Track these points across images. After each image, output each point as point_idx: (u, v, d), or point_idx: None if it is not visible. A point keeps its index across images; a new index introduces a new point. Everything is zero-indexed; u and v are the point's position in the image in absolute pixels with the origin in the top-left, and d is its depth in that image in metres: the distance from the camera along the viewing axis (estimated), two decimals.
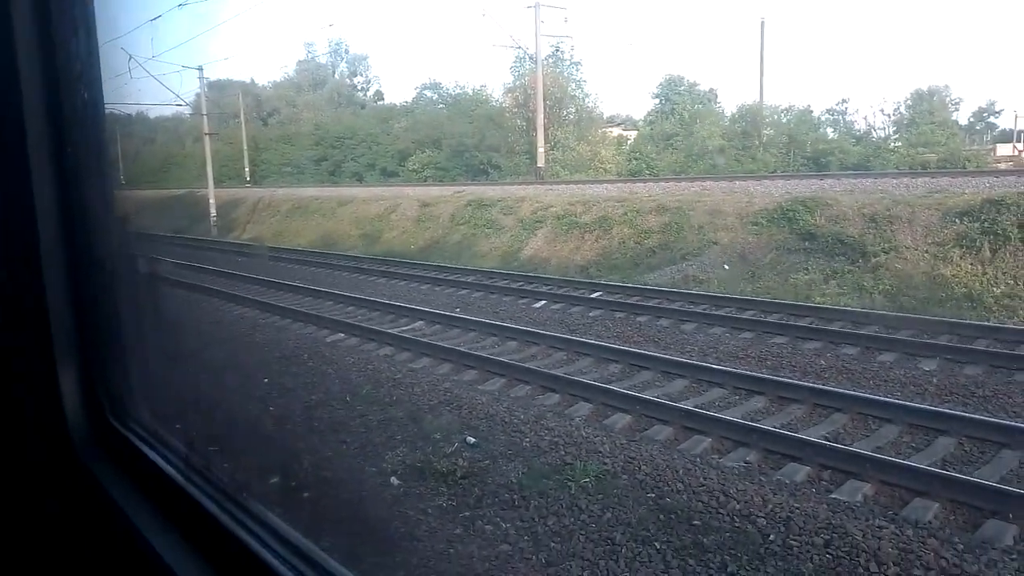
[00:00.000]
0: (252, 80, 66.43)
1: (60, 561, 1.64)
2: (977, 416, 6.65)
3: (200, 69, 33.51)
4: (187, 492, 1.36)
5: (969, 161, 28.08)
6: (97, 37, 1.60)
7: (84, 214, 1.62)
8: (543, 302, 13.47)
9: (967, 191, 14.39)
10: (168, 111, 34.45)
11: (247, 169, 46.50)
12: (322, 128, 49.43)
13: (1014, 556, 4.50)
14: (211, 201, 33.47)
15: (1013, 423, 6.46)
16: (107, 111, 1.77)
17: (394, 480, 5.78)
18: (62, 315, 1.62)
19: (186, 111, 36.11)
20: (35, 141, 1.53)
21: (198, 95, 34.77)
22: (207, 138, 34.18)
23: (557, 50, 39.40)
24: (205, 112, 34.22)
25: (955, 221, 13.27)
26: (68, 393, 1.61)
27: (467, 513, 5.21)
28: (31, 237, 1.57)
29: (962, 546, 4.54)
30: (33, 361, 1.65)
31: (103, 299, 1.71)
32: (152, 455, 1.50)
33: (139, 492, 1.47)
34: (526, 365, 8.99)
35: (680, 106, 37.30)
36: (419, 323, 11.94)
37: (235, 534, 1.22)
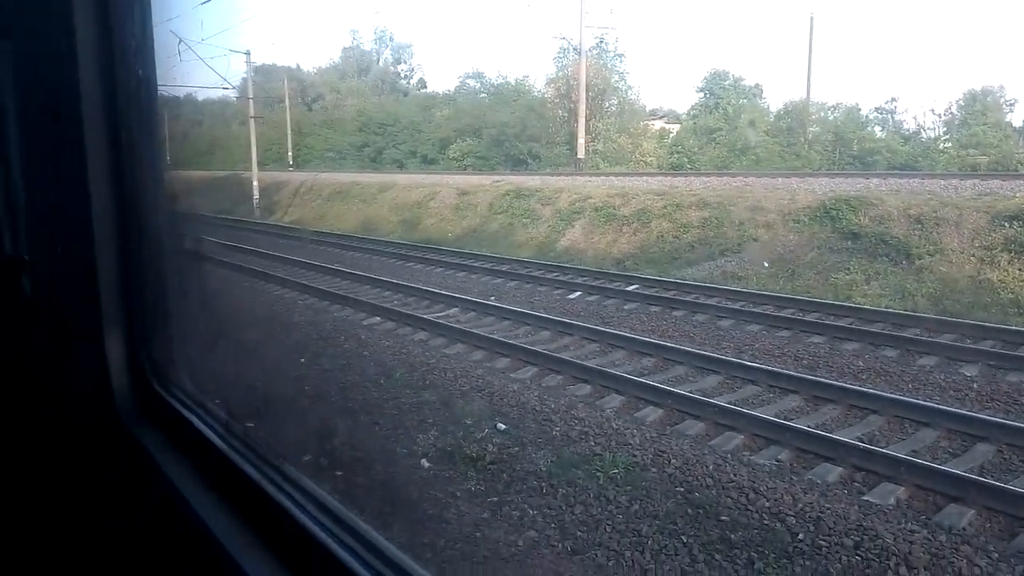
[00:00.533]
0: (297, 66, 67.14)
1: (104, 520, 1.71)
2: (1018, 424, 6.50)
3: (247, 53, 33.97)
4: (227, 456, 1.41)
5: (1022, 164, 27.26)
6: (151, 17, 1.65)
7: (135, 190, 1.67)
8: (578, 293, 13.46)
9: (1018, 195, 14.01)
10: (215, 94, 34.90)
11: (290, 153, 47.05)
12: (365, 114, 49.79)
13: None
14: (255, 183, 33.94)
15: None
16: (158, 92, 1.83)
17: (424, 463, 5.86)
18: (111, 286, 1.68)
19: (233, 94, 36.59)
20: (91, 117, 1.59)
21: (244, 79, 35.26)
22: (252, 121, 34.63)
23: (601, 42, 39.15)
24: (251, 96, 34.68)
25: (1004, 225, 12.93)
26: (114, 360, 1.68)
27: (495, 498, 5.26)
28: (84, 211, 1.64)
29: (996, 554, 4.47)
30: (82, 328, 1.72)
31: (150, 273, 1.77)
32: (194, 420, 1.56)
33: (181, 455, 1.52)
34: (559, 355, 9.01)
35: (724, 100, 36.81)
36: (454, 310, 12.01)
37: (274, 498, 1.26)
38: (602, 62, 38.76)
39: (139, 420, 1.68)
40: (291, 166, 45.41)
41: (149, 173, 1.79)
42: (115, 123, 1.63)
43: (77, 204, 1.65)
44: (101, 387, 1.68)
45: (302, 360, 8.88)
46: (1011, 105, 33.49)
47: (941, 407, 6.94)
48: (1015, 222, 12.81)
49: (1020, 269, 12.10)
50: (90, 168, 1.61)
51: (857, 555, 4.47)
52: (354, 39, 72.67)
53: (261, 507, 1.28)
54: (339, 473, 4.99)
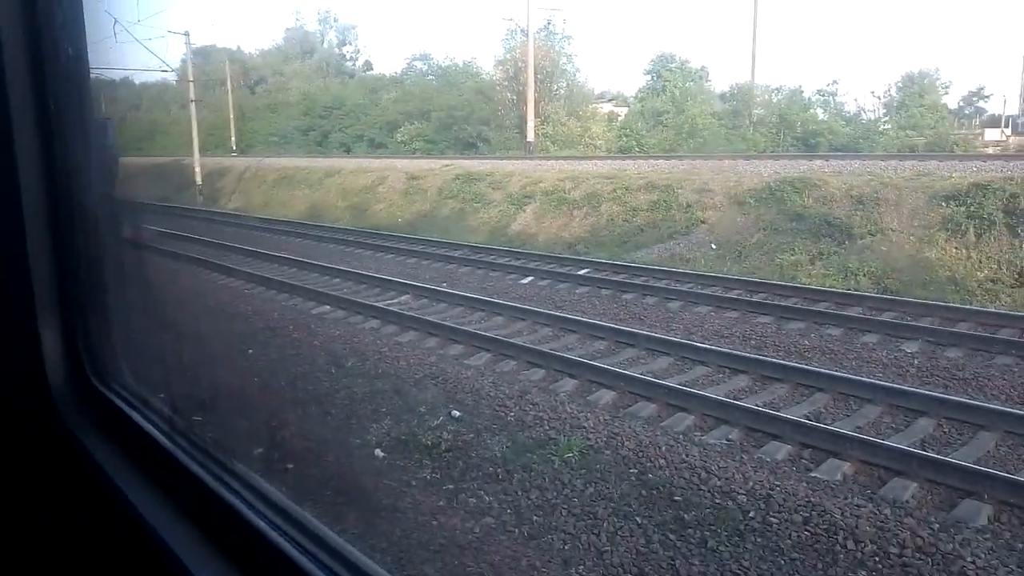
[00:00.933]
0: (239, 48, 65.58)
1: (40, 519, 1.63)
2: (956, 398, 6.74)
3: (186, 35, 33.01)
4: (171, 453, 1.35)
5: (957, 145, 28.17)
6: None
7: (67, 173, 1.59)
8: (530, 278, 13.47)
9: (954, 175, 14.46)
10: (153, 77, 33.91)
11: (233, 138, 45.97)
12: (310, 98, 48.89)
13: (987, 535, 4.58)
14: (197, 169, 33.13)
15: (991, 406, 6.54)
16: (92, 75, 1.73)
17: (379, 452, 5.80)
18: (44, 276, 1.60)
19: (172, 77, 35.58)
20: (17, 94, 1.49)
21: (184, 61, 34.29)
22: (192, 104, 33.73)
23: (549, 23, 39.03)
24: (191, 79, 33.74)
25: (941, 204, 13.34)
26: (50, 352, 1.59)
27: (451, 486, 5.24)
28: (13, 194, 1.54)
29: (937, 525, 4.62)
30: (15, 320, 1.62)
31: (86, 261, 1.69)
32: (135, 416, 1.49)
33: (121, 453, 1.46)
34: (512, 340, 9.00)
35: (671, 83, 37.13)
36: (405, 297, 11.91)
37: (220, 495, 1.22)
38: (550, 44, 38.67)
39: (77, 415, 1.60)
40: (234, 151, 44.39)
41: (83, 157, 1.70)
42: (44, 104, 1.54)
43: (4, 189, 1.55)
44: (36, 381, 1.60)
45: (250, 351, 8.70)
46: (946, 88, 34.57)
47: (883, 383, 7.14)
48: (951, 202, 13.22)
49: (956, 248, 12.51)
50: (18, 152, 1.52)
51: (806, 531, 4.57)
52: (297, 20, 71.43)
53: (206, 504, 1.24)
54: (290, 466, 4.91)
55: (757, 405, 6.74)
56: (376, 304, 11.09)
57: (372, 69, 63.36)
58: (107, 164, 1.97)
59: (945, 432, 6.24)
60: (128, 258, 2.22)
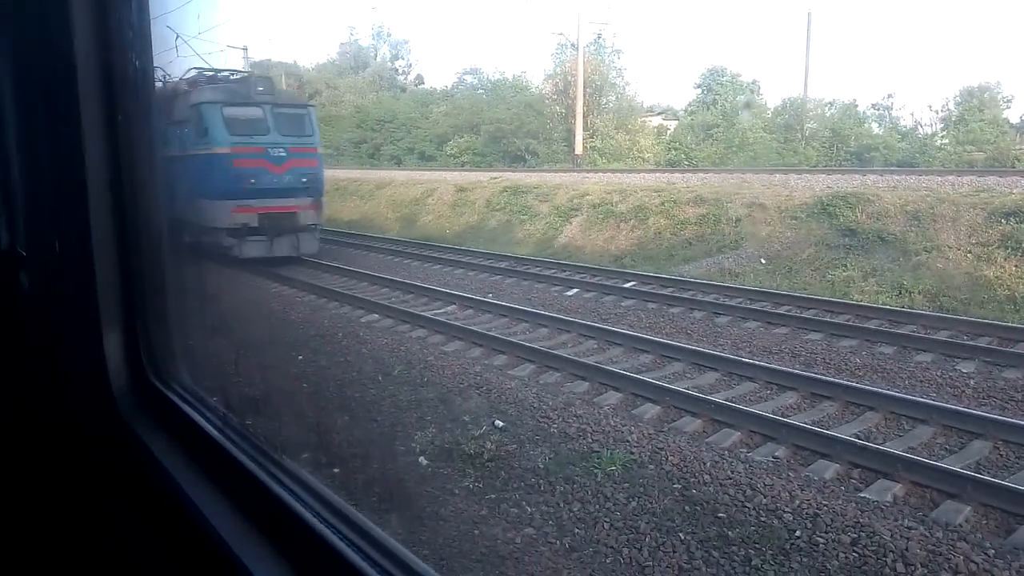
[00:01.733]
0: (295, 61, 66.90)
1: (103, 515, 1.71)
2: (1014, 420, 6.52)
3: (244, 49, 33.87)
4: (225, 449, 1.41)
5: (1019, 160, 27.29)
6: (149, 9, 1.64)
7: (133, 181, 1.67)
8: (576, 290, 13.46)
9: (1015, 191, 14.02)
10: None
11: None
12: (362, 111, 49.70)
13: None
14: None
15: None
16: (156, 85, 1.82)
17: (422, 460, 5.86)
18: (109, 281, 1.68)
19: None
20: (88, 110, 1.58)
21: None
22: None
23: (599, 37, 39.11)
24: None
25: (1000, 221, 12.95)
26: (112, 355, 1.68)
27: (493, 495, 5.26)
28: (82, 205, 1.63)
29: (993, 551, 4.48)
30: (80, 323, 1.71)
31: (148, 266, 1.77)
32: (192, 414, 1.56)
33: (180, 449, 1.52)
34: (556, 352, 9.01)
35: (722, 97, 36.80)
36: (452, 307, 12.01)
37: (273, 491, 1.26)
38: (600, 58, 38.71)
39: (137, 414, 1.68)
40: None
41: (148, 168, 1.78)
42: (113, 117, 1.62)
43: (75, 199, 1.64)
44: (99, 382, 1.68)
45: (300, 357, 8.87)
46: (1008, 102, 33.47)
47: (938, 403, 6.96)
48: (1011, 219, 12.82)
49: (1016, 266, 12.12)
50: (88, 163, 1.60)
51: (855, 551, 4.48)
52: (351, 35, 72.54)
53: (261, 500, 1.28)
54: (337, 470, 4.99)
55: (805, 423, 6.63)
56: (423, 314, 11.21)
57: (423, 83, 64.11)
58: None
59: (1002, 455, 6.05)
60: (187, 265, 2.31)
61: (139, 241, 1.72)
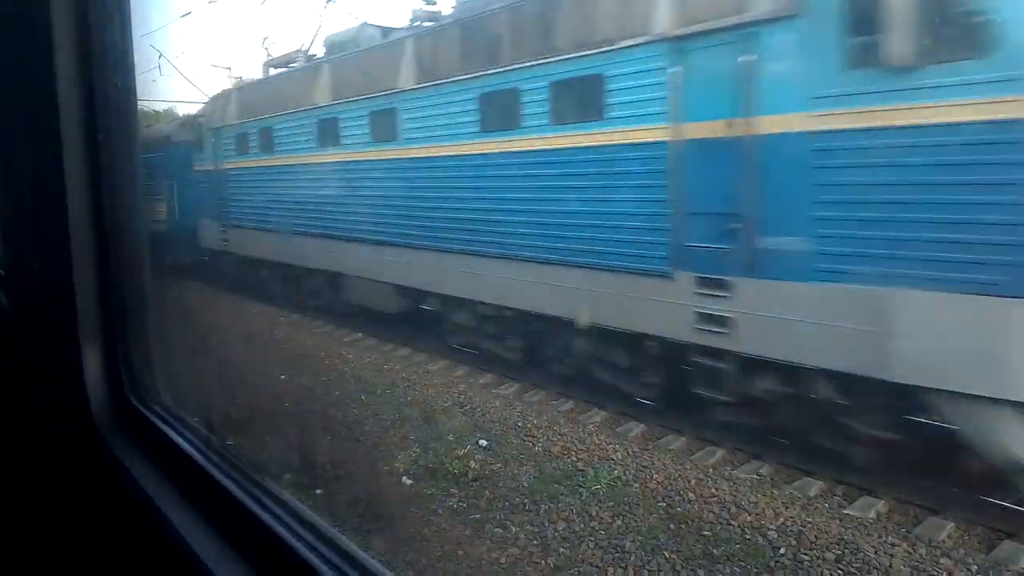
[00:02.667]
0: None
1: (80, 532, 1.68)
2: None
3: (228, 68, 33.89)
4: (205, 470, 1.39)
5: None
6: (132, 29, 1.64)
7: (113, 200, 1.66)
8: None
9: None
10: (196, 109, 34.73)
11: None
12: None
13: None
14: None
15: None
16: (138, 105, 1.81)
17: (406, 480, 5.81)
18: (89, 300, 1.67)
19: None
20: (68, 129, 1.57)
21: None
22: None
23: None
24: None
25: None
26: (92, 373, 1.66)
27: (477, 515, 5.23)
28: (62, 225, 1.62)
29: (975, 567, 4.50)
30: (60, 342, 1.70)
31: (128, 287, 1.76)
32: (172, 434, 1.54)
33: (158, 469, 1.50)
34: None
35: None
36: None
37: (254, 512, 1.25)
38: None
39: (116, 433, 1.66)
40: None
41: (128, 187, 1.77)
42: (93, 136, 1.62)
43: (54, 219, 1.63)
44: (79, 400, 1.66)
45: (282, 376, 8.80)
46: None
47: None
48: None
49: None
50: (68, 183, 1.59)
51: (839, 568, 4.48)
52: None
53: (240, 521, 1.27)
54: (319, 491, 4.94)
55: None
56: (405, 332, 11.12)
57: None
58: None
59: None
60: (168, 285, 2.30)
61: (120, 261, 1.71)
